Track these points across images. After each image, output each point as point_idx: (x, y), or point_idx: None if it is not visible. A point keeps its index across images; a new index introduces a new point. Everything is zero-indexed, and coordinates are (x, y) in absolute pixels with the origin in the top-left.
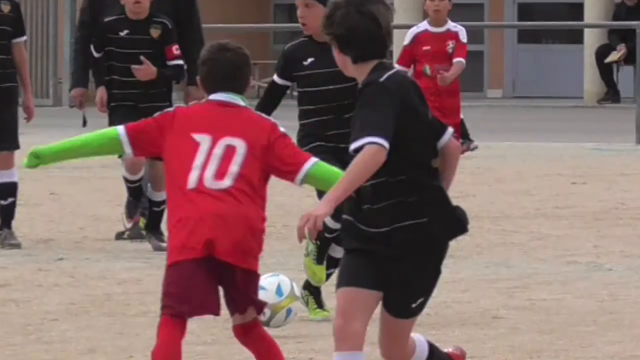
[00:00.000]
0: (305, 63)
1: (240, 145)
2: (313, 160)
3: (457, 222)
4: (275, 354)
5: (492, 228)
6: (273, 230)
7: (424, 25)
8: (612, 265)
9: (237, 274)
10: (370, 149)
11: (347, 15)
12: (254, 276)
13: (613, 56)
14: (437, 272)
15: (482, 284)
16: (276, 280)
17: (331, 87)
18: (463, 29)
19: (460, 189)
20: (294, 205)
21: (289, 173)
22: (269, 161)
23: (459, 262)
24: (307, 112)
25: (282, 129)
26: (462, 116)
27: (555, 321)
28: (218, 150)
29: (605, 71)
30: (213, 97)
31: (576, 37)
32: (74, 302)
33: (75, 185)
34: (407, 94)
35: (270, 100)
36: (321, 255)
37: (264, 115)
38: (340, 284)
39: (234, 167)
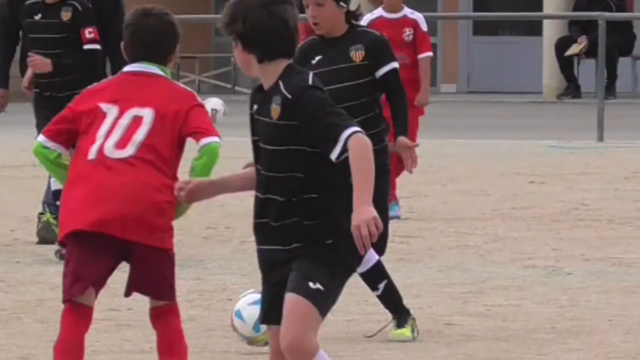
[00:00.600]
0: (313, 62)
1: (147, 114)
2: (216, 139)
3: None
4: (174, 350)
5: (446, 230)
6: (214, 232)
7: (378, 12)
8: (572, 269)
9: (138, 251)
10: (358, 138)
11: (252, 12)
12: (164, 254)
13: (573, 49)
14: (339, 280)
15: (435, 289)
16: (256, 312)
17: (334, 86)
18: (421, 16)
19: (411, 189)
20: (235, 206)
21: (197, 134)
22: (183, 129)
23: (410, 265)
24: None
25: (200, 100)
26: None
27: (512, 328)
28: (124, 120)
29: (566, 65)
30: (127, 68)
31: (535, 28)
32: (5, 308)
33: (5, 185)
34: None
35: None
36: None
37: (182, 85)
38: (266, 321)
39: (138, 137)
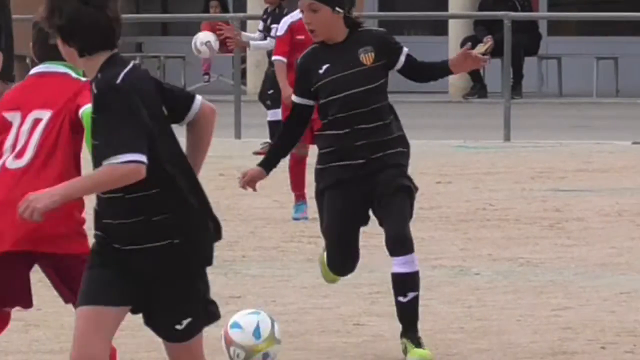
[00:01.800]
0: (320, 71)
1: (45, 116)
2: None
3: (212, 233)
4: None
5: None
6: None
7: (298, 14)
8: (480, 270)
9: (46, 261)
10: (129, 168)
11: (68, 5)
12: (75, 260)
13: (479, 49)
14: (197, 292)
15: (343, 290)
16: (255, 320)
17: (349, 92)
18: None
19: None
20: None
21: (81, 103)
22: (74, 112)
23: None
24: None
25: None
26: (276, 118)
27: (420, 328)
28: (26, 126)
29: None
30: (33, 70)
31: (440, 28)
32: None
33: None
34: (148, 93)
35: (295, 122)
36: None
37: (81, 78)
38: (81, 302)
39: (33, 142)
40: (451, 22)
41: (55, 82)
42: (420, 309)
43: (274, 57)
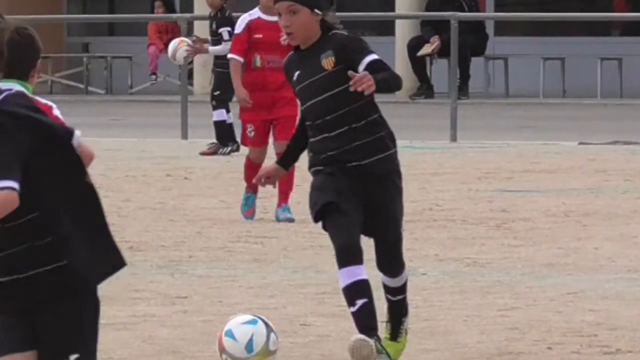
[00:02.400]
0: (294, 79)
1: None
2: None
3: (108, 259)
4: None
5: (300, 231)
6: None
7: (256, 13)
8: (426, 270)
9: None
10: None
11: None
12: None
13: (426, 49)
14: (90, 322)
15: (290, 290)
16: (250, 331)
17: (315, 100)
18: None
19: (266, 189)
20: None
21: None
22: None
23: (265, 266)
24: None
25: (57, 112)
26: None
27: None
28: None
29: (418, 65)
30: None
31: (387, 28)
32: None
33: None
34: (26, 120)
35: (302, 123)
36: (395, 330)
37: (41, 100)
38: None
39: None
40: (398, 22)
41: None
42: None
43: (229, 55)
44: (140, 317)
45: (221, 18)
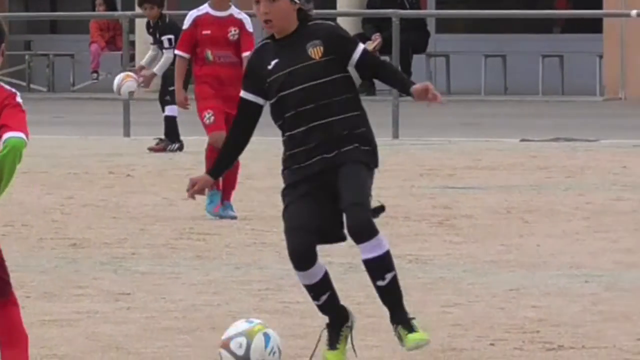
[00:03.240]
0: (269, 67)
1: None
2: (21, 135)
3: None
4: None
5: (243, 227)
6: (11, 229)
7: (205, 8)
8: (333, 260)
9: None
10: None
11: None
12: None
13: (368, 46)
14: None
15: (233, 286)
16: (245, 342)
17: (297, 87)
18: (248, 18)
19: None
20: (33, 204)
21: (3, 127)
22: None
23: (208, 263)
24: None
25: (19, 100)
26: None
27: (310, 325)
28: None
29: None
30: None
31: None
32: None
33: None
34: None
35: (243, 121)
36: (332, 339)
37: (5, 86)
38: None
39: None
40: (339, 19)
41: None
42: (310, 306)
43: (175, 51)
44: (84, 314)
45: (162, 26)
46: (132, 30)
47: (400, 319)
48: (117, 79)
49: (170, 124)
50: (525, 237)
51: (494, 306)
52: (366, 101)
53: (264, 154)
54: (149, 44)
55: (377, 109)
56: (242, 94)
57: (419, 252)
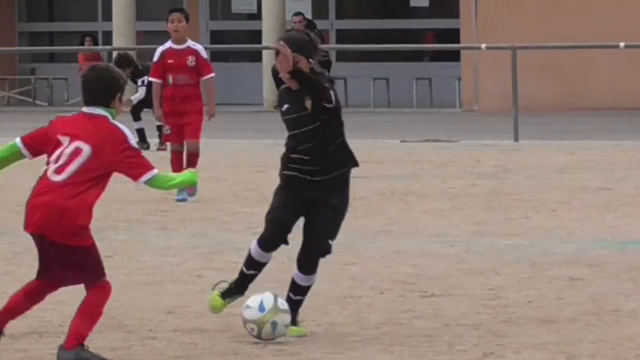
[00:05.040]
0: (283, 109)
1: (85, 149)
2: (154, 172)
3: None
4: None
5: (194, 207)
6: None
7: (168, 44)
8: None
9: (54, 246)
10: None
11: None
12: (72, 250)
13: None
14: None
15: (188, 251)
16: (259, 298)
17: (298, 130)
18: (201, 47)
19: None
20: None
21: (134, 176)
22: (115, 165)
23: (169, 232)
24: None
25: (132, 142)
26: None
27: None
28: (69, 149)
29: (280, 83)
30: (84, 109)
31: (256, 56)
32: None
33: None
34: None
35: None
36: (230, 292)
37: (119, 125)
38: None
39: (73, 166)
40: (264, 52)
41: (96, 122)
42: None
43: (150, 78)
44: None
45: (137, 73)
46: (110, 60)
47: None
48: None
49: (140, 133)
50: (404, 212)
51: (382, 264)
52: (275, 112)
53: (208, 152)
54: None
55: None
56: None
57: None
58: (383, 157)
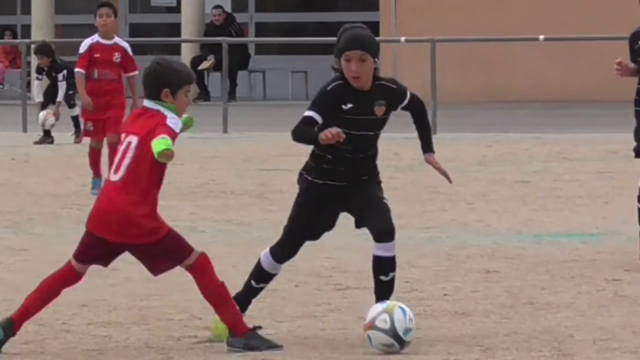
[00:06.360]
0: (344, 107)
1: (134, 141)
2: (165, 136)
3: None
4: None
5: None
6: None
7: (96, 37)
8: (205, 228)
9: (130, 248)
10: None
11: None
12: (153, 245)
13: (204, 65)
14: None
15: None
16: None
17: (360, 132)
18: (127, 45)
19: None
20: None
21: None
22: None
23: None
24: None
25: (170, 123)
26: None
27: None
28: (122, 146)
29: (199, 76)
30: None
31: (175, 49)
32: None
33: None
34: None
35: (304, 127)
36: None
37: (165, 111)
38: None
39: (126, 161)
40: (184, 45)
41: (148, 115)
42: None
43: (75, 69)
44: None
45: (57, 67)
46: (28, 53)
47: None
48: (42, 115)
49: (75, 120)
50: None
51: (298, 258)
52: (203, 105)
53: None
54: (36, 78)
55: (211, 111)
56: (311, 113)
57: (242, 217)
58: (302, 151)
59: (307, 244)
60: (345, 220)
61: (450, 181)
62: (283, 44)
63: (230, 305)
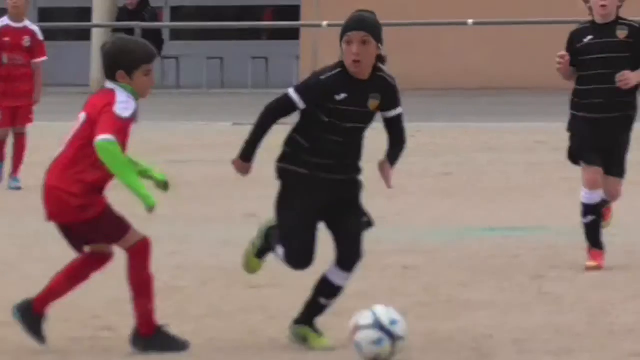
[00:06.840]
0: (337, 98)
1: (82, 117)
2: (107, 137)
3: None
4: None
5: (15, 194)
6: None
7: (5, 20)
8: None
9: (75, 230)
10: None
11: None
12: (85, 224)
13: None
14: None
15: (5, 239)
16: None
17: (352, 124)
18: (38, 28)
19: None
20: None
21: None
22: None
23: (9, 217)
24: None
25: (118, 108)
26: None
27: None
28: (75, 123)
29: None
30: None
31: (84, 35)
32: None
33: None
34: None
35: (277, 112)
36: (264, 251)
37: (119, 92)
38: None
39: (68, 137)
40: (94, 30)
41: (101, 93)
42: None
43: None
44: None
45: None
46: None
47: (314, 327)
48: None
49: None
50: (235, 199)
51: (209, 254)
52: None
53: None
54: None
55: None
56: (293, 94)
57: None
58: (214, 141)
59: (214, 239)
60: (254, 214)
61: (389, 186)
62: (199, 29)
63: (149, 301)
